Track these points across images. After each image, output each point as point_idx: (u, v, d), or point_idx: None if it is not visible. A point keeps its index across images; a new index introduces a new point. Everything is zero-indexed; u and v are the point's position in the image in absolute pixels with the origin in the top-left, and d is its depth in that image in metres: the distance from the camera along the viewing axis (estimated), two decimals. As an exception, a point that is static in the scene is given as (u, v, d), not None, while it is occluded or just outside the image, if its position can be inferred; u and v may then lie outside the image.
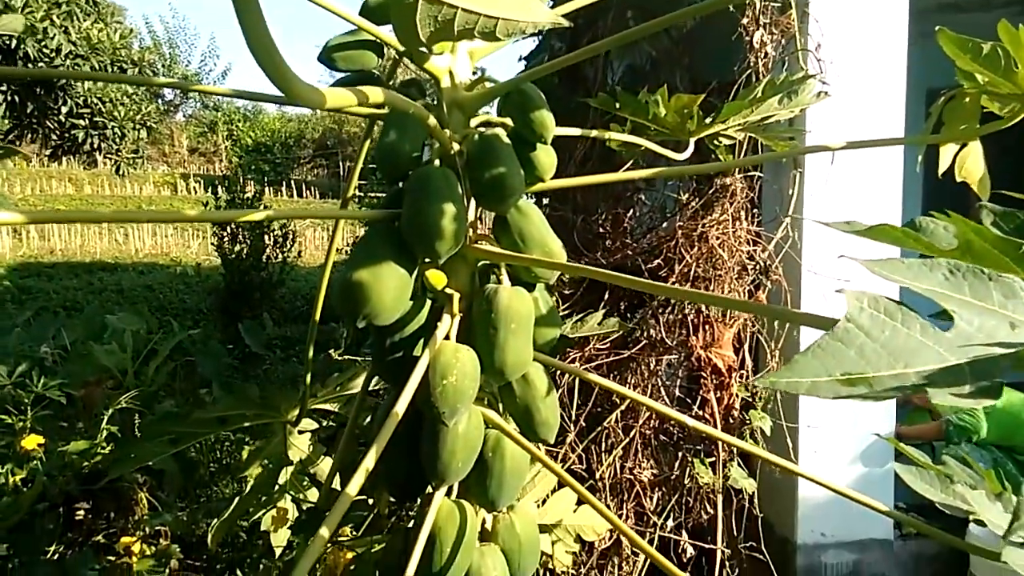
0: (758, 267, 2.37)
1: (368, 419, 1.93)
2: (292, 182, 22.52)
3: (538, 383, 1.25)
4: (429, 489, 1.27)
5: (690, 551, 2.27)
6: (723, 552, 2.27)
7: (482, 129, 1.19)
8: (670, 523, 2.28)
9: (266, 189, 19.77)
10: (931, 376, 0.40)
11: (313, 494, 2.05)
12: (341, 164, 28.35)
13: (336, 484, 1.44)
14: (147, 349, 5.12)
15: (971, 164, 1.46)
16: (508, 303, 1.15)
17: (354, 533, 1.64)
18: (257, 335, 7.52)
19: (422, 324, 1.22)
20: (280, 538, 2.00)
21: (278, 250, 9.08)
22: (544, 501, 1.73)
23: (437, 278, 1.20)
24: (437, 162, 1.17)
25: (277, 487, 1.88)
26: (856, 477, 2.75)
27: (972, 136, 1.37)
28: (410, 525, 1.53)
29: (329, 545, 1.59)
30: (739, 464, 2.38)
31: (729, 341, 2.30)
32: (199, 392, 4.60)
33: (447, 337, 1.16)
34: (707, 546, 2.28)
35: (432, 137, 1.18)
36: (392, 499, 1.46)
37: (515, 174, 1.16)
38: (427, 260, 1.17)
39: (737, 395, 2.32)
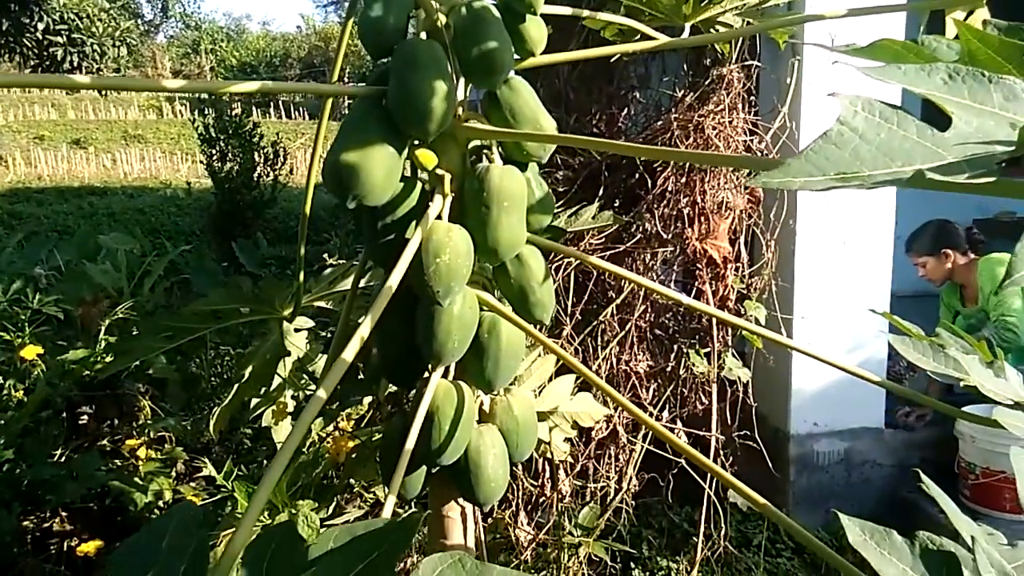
0: (758, 153, 2.34)
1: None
2: (280, 103, 22.05)
3: (533, 264, 1.24)
4: (427, 374, 1.29)
5: (684, 440, 2.33)
6: (718, 440, 2.33)
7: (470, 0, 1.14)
8: (665, 414, 2.34)
9: (254, 111, 19.38)
10: (927, 171, 0.39)
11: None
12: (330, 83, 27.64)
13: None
14: (141, 269, 5.12)
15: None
16: (500, 181, 1.14)
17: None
18: (251, 253, 7.52)
19: (413, 206, 1.20)
20: (281, 433, 2.04)
21: (269, 168, 8.96)
22: (541, 390, 1.75)
23: (427, 158, 1.17)
24: (424, 35, 1.13)
25: (276, 383, 1.91)
26: (852, 364, 2.79)
27: (979, 2, 1.33)
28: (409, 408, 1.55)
29: (333, 434, 1.63)
30: (734, 355, 2.41)
31: (724, 233, 2.29)
32: (197, 307, 4.62)
33: (439, 217, 1.15)
34: (702, 434, 2.34)
35: (418, 9, 1.14)
36: (392, 384, 1.48)
37: (505, 47, 1.12)
38: (416, 139, 1.15)
39: (732, 287, 2.34)
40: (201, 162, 8.96)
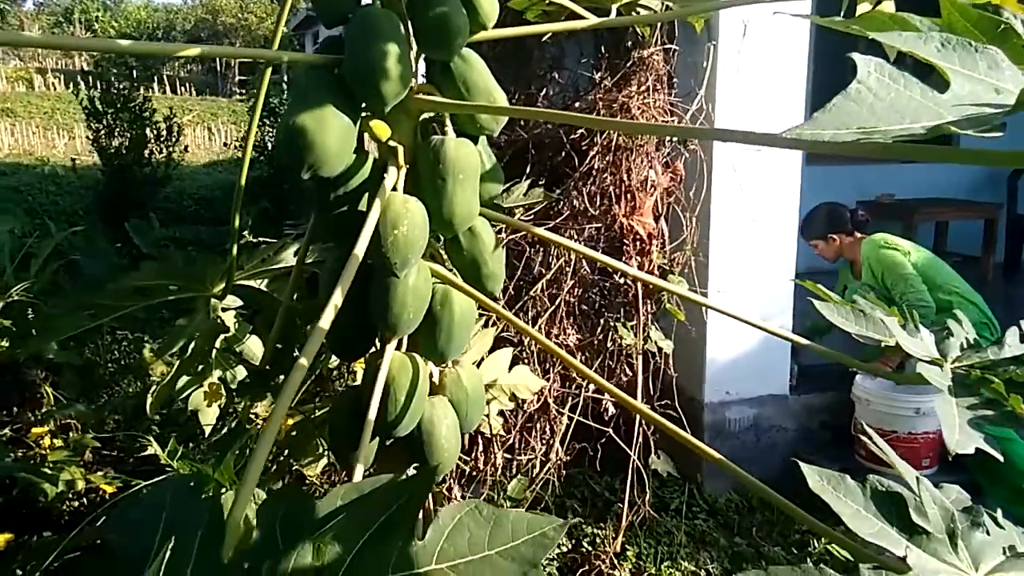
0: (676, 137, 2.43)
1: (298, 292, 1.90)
2: (164, 78, 20.91)
3: (484, 236, 1.25)
4: (376, 348, 1.28)
5: (612, 410, 2.41)
6: (659, 409, 2.41)
7: (423, -31, 1.14)
8: (592, 386, 2.40)
9: (135, 86, 18.27)
10: (932, 128, 0.43)
11: (240, 372, 2.03)
12: (218, 59, 26.46)
13: (272, 352, 1.42)
14: (22, 251, 4.77)
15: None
16: (456, 153, 1.14)
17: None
18: (146, 234, 7.13)
19: (366, 178, 1.19)
20: (210, 415, 1.98)
21: (162, 145, 8.50)
22: (480, 363, 1.77)
23: (381, 129, 1.16)
24: (378, 3, 1.12)
25: (204, 363, 1.84)
26: (759, 338, 2.96)
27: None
28: (357, 383, 1.54)
29: (265, 413, 1.59)
30: (656, 328, 2.51)
31: (649, 209, 2.37)
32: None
33: (394, 189, 1.14)
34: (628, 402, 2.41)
35: (371, -23, 1.12)
36: (339, 358, 1.46)
37: (460, 15, 1.12)
38: (371, 110, 1.14)
39: (655, 262, 2.42)
40: (88, 138, 8.40)
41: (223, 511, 0.55)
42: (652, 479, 2.66)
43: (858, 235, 3.35)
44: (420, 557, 0.52)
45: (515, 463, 2.33)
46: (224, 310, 1.92)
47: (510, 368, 1.83)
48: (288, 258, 1.77)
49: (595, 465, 2.48)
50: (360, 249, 0.99)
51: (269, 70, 1.40)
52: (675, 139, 2.44)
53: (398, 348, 1.27)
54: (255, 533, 0.56)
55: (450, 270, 1.29)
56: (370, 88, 1.06)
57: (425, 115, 1.24)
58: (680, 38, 2.58)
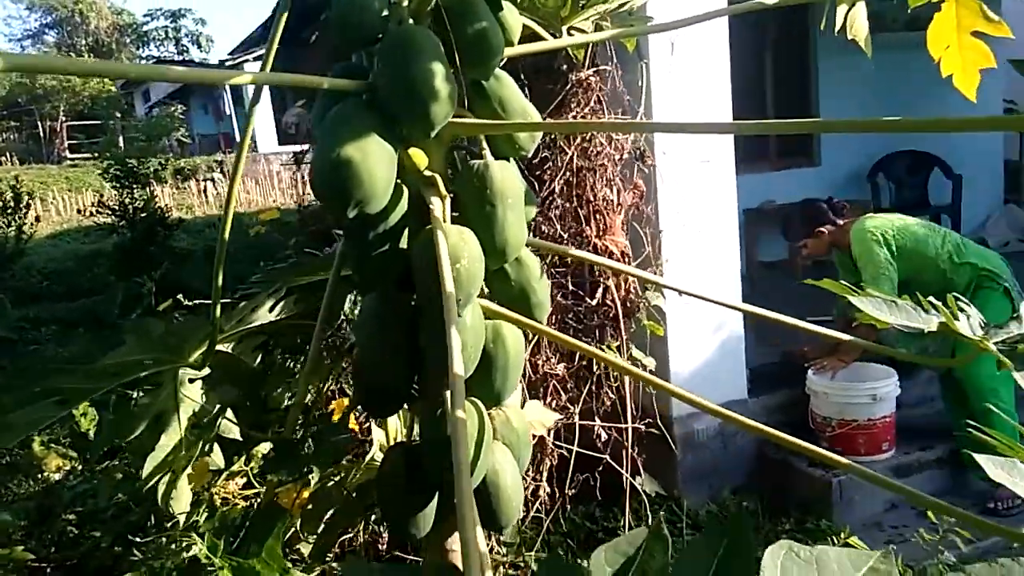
0: (635, 152, 2.43)
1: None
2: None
3: (530, 263, 1.18)
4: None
5: (604, 436, 2.35)
6: (634, 431, 2.37)
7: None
8: (577, 408, 2.34)
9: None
10: None
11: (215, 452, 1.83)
12: (40, 123, 24.78)
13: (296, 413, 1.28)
14: None
15: (859, 23, 1.59)
16: (502, 177, 1.07)
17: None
18: (2, 316, 6.47)
19: (405, 211, 1.09)
20: (183, 502, 1.77)
21: (10, 218, 7.78)
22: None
23: (420, 157, 1.07)
24: (411, 22, 1.03)
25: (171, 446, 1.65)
26: (715, 346, 3.00)
27: (861, -3, 1.49)
28: (401, 440, 1.40)
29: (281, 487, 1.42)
30: (635, 346, 2.48)
31: (619, 227, 2.35)
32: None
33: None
34: (614, 427, 2.37)
35: (397, -5, 1.03)
36: (372, 415, 1.33)
37: (496, 31, 1.06)
38: (407, 137, 1.05)
39: (630, 280, 2.40)
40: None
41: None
42: (633, 500, 2.61)
43: (841, 222, 3.34)
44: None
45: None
46: (191, 380, 1.74)
47: (522, 404, 1.74)
48: (263, 315, 1.62)
49: (593, 493, 2.41)
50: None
51: (256, 109, 1.26)
52: (634, 156, 2.45)
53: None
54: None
55: (493, 301, 1.20)
56: (418, 112, 0.97)
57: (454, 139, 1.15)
58: (615, 58, 2.60)
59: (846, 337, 1.30)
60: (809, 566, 0.49)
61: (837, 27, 1.52)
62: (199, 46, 36.82)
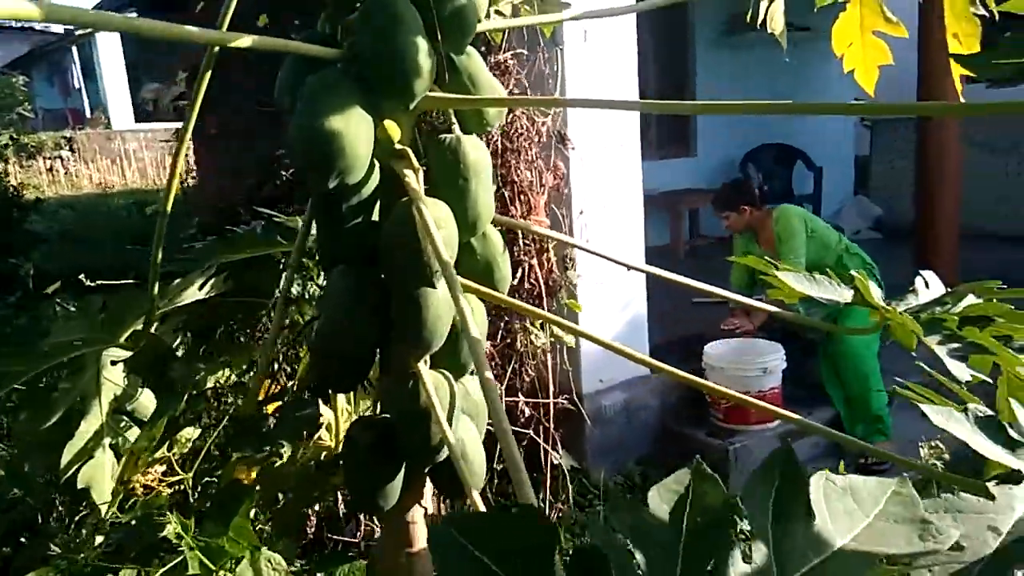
0: (556, 135, 2.49)
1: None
2: None
3: (495, 238, 1.21)
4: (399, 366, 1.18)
5: (527, 412, 2.41)
6: (554, 405, 2.44)
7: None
8: (503, 385, 2.38)
9: None
10: None
11: (134, 434, 1.75)
12: None
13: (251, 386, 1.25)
14: None
15: (778, 18, 1.71)
16: (474, 151, 1.10)
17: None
18: None
19: (377, 184, 1.09)
20: (103, 491, 1.68)
21: None
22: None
23: (393, 130, 1.08)
24: (388, -8, 1.03)
25: (92, 431, 1.56)
26: (622, 324, 3.13)
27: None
28: (365, 414, 1.39)
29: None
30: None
31: (543, 208, 2.40)
32: None
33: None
34: (535, 402, 2.43)
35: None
36: (336, 391, 1.31)
37: (474, 7, 1.07)
38: (384, 109, 1.05)
39: (552, 259, 2.46)
40: None
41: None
42: (551, 474, 2.69)
43: (766, 207, 3.65)
44: (829, 537, 0.50)
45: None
46: (113, 363, 1.66)
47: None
48: (193, 293, 1.57)
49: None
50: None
51: (209, 73, 1.21)
52: (556, 139, 2.51)
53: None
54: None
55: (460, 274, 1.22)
56: (401, 85, 0.99)
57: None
58: (529, 44, 2.64)
59: (756, 303, 1.41)
60: (844, 493, 0.56)
61: (759, 20, 1.63)
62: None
